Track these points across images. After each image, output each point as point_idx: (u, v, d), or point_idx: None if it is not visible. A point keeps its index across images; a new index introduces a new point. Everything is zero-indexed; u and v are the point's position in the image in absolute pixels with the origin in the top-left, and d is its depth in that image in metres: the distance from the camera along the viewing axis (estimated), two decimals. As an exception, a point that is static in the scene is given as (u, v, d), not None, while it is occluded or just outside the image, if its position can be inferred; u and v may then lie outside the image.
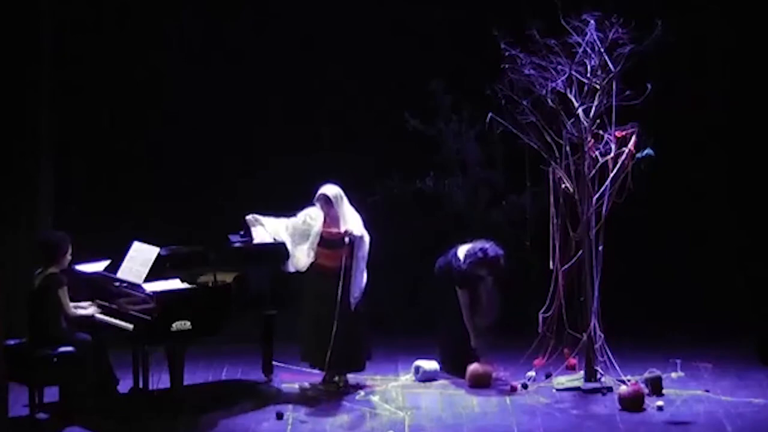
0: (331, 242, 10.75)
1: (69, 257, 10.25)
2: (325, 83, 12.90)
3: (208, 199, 12.63)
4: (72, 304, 10.16)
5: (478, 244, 11.09)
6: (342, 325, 10.61)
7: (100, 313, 10.28)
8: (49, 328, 10.06)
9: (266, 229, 10.79)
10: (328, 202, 10.74)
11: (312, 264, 10.77)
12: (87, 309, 10.29)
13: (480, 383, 10.89)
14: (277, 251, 10.75)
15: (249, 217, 10.79)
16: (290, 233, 10.79)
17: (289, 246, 10.77)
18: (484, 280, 11.14)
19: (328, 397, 10.68)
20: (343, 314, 10.62)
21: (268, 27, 12.91)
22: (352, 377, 11.01)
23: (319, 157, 12.66)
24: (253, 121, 12.91)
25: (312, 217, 10.78)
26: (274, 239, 10.77)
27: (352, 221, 10.75)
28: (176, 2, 12.79)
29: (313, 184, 10.84)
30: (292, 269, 10.79)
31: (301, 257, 10.75)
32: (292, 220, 10.83)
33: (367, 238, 10.73)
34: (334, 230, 10.74)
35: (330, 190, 10.76)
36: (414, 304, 12.69)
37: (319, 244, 10.74)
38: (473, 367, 10.95)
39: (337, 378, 10.89)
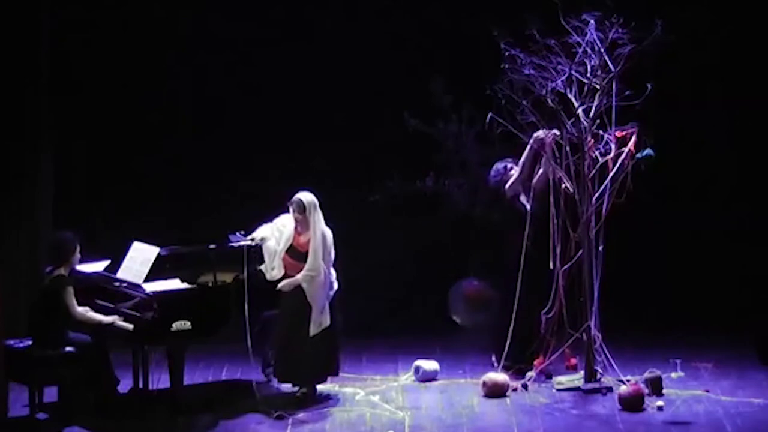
0: (300, 254, 10.45)
1: (78, 256, 10.26)
2: (325, 83, 12.89)
3: (209, 199, 12.63)
4: (83, 309, 10.18)
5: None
6: (310, 341, 10.38)
7: (121, 320, 10.22)
8: (51, 329, 10.06)
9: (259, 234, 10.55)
10: (300, 207, 10.39)
11: (284, 276, 10.48)
12: (106, 317, 10.22)
13: (496, 393, 10.76)
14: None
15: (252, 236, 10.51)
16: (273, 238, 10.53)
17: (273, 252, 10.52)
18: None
19: (327, 398, 10.68)
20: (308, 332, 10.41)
21: (267, 27, 12.90)
22: (352, 377, 11.03)
23: (318, 158, 12.68)
24: (253, 122, 12.89)
25: (283, 223, 10.53)
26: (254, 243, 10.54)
27: (319, 237, 10.35)
28: (177, 3, 12.80)
29: (313, 183, 10.82)
30: (269, 277, 10.54)
31: (276, 267, 10.48)
32: (270, 225, 10.59)
33: (330, 275, 10.44)
34: (303, 240, 10.42)
35: (305, 195, 10.43)
36: (413, 304, 12.71)
37: (288, 254, 10.47)
38: (491, 377, 10.80)
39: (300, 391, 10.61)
